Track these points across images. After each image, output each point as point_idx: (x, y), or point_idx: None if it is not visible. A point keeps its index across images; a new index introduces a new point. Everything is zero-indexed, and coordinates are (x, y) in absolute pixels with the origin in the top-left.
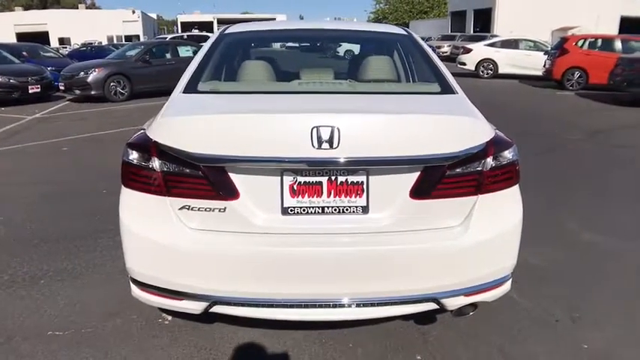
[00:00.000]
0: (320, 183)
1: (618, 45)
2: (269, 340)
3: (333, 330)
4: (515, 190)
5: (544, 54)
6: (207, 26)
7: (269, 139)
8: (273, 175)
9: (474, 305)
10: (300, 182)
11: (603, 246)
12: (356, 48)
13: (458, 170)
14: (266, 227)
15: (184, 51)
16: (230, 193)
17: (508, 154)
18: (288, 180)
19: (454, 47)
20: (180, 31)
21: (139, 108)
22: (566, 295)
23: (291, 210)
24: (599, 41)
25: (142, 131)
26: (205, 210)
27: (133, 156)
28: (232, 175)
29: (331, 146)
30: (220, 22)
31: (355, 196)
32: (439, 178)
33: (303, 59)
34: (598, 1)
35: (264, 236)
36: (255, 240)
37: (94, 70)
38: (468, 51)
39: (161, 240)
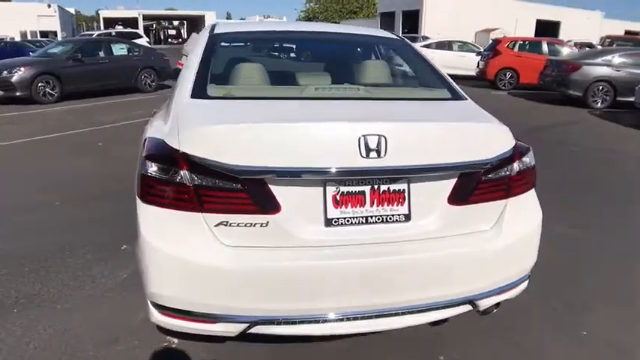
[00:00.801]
0: (363, 192)
1: (545, 47)
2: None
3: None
4: (533, 192)
5: (477, 55)
6: (131, 22)
7: (313, 149)
8: (315, 185)
9: (497, 303)
10: (343, 192)
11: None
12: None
13: (490, 176)
14: (310, 240)
15: (119, 49)
16: (272, 206)
17: (528, 159)
18: (331, 190)
19: None
20: (102, 27)
21: (72, 110)
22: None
23: (335, 221)
24: (528, 44)
25: (158, 140)
26: (246, 225)
27: (156, 169)
28: (273, 188)
29: (378, 155)
30: (146, 18)
31: (397, 205)
32: (475, 183)
33: (303, 62)
34: (517, 6)
35: (308, 250)
36: (299, 254)
37: (19, 69)
38: None
39: (196, 260)
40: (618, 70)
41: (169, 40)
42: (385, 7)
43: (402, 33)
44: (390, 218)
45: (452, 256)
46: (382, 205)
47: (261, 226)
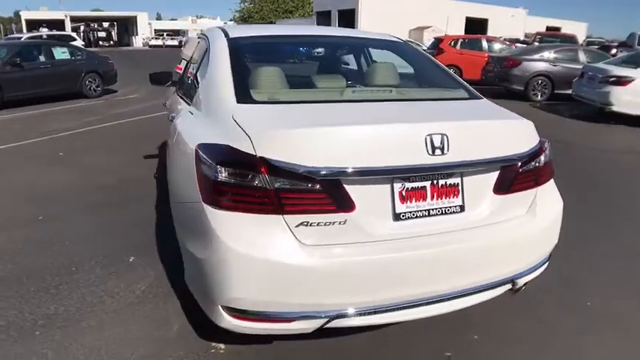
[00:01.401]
0: (424, 187)
1: (484, 44)
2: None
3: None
4: (553, 181)
5: None
6: (57, 24)
7: (382, 148)
8: (384, 183)
9: (526, 281)
10: (408, 188)
11: None
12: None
13: (525, 167)
14: (383, 235)
15: (60, 53)
16: (349, 204)
17: (548, 151)
18: (397, 187)
19: None
20: (25, 29)
21: (17, 119)
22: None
23: (402, 215)
24: (468, 41)
25: (224, 146)
26: (325, 224)
27: (231, 175)
28: (347, 187)
29: (442, 152)
30: (73, 19)
31: (453, 197)
32: (514, 174)
33: (322, 64)
34: (447, 4)
35: (382, 243)
36: (374, 249)
37: None
38: None
39: (280, 261)
40: (555, 65)
41: (100, 42)
42: (321, 6)
43: None
44: (448, 210)
45: (500, 240)
46: (441, 198)
47: (339, 224)
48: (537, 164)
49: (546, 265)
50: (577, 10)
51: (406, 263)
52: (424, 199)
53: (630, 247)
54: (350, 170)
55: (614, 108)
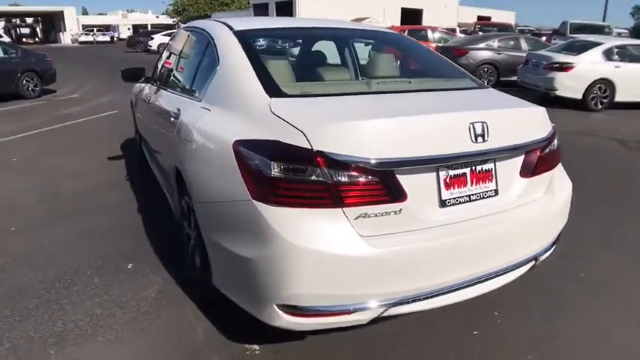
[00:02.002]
0: (465, 174)
1: (430, 35)
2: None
3: None
4: (561, 164)
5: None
6: None
7: (430, 138)
8: (431, 171)
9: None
10: (451, 175)
11: None
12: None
13: (545, 151)
14: (433, 221)
15: None
16: (402, 194)
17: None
18: (442, 174)
19: None
20: None
21: None
22: None
23: (447, 202)
24: (414, 32)
25: (274, 142)
26: (382, 215)
27: (287, 170)
28: (399, 177)
29: (483, 139)
30: None
31: (488, 182)
32: (536, 158)
33: (334, 57)
34: None
35: (433, 230)
36: (427, 236)
37: None
38: None
39: (342, 254)
40: (499, 54)
41: (23, 39)
42: None
43: None
44: (485, 194)
45: (528, 220)
46: (478, 184)
47: (394, 214)
48: (553, 148)
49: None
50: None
51: (455, 248)
52: (465, 185)
53: (605, 218)
54: (404, 160)
55: (558, 92)
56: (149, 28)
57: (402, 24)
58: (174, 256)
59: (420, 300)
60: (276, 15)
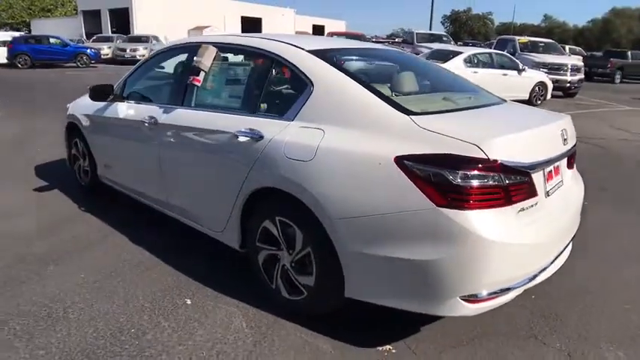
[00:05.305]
0: (551, 170)
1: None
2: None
3: None
4: None
5: None
6: None
7: (547, 143)
8: (542, 169)
9: None
10: (548, 171)
11: None
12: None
13: (574, 149)
14: (548, 209)
15: None
16: (537, 190)
17: None
18: (546, 171)
19: (117, 49)
20: None
21: None
22: None
23: (549, 192)
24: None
25: (453, 155)
26: (529, 208)
27: (469, 178)
28: (533, 176)
29: (565, 142)
30: None
31: (560, 175)
32: (572, 155)
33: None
34: (224, 3)
35: (551, 215)
36: (550, 220)
37: None
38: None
39: (515, 242)
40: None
41: None
42: (87, 5)
43: (112, 32)
44: (558, 185)
45: (576, 204)
46: (557, 176)
47: (534, 205)
48: (575, 148)
49: None
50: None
51: (559, 228)
52: (552, 178)
53: None
54: (540, 162)
55: None
56: None
57: (242, 32)
58: (235, 285)
59: (542, 273)
60: (111, 23)
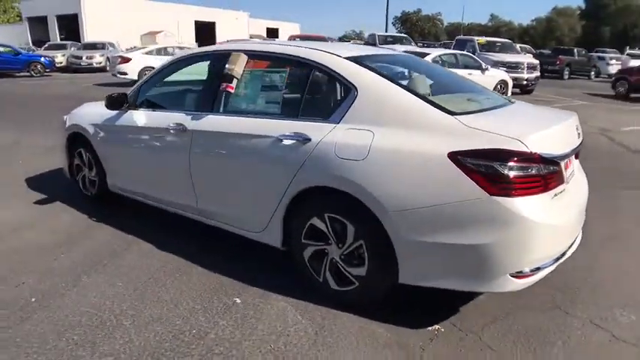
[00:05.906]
0: (567, 161)
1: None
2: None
3: None
4: None
5: None
6: None
7: (567, 137)
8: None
9: None
10: (565, 162)
11: None
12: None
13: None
14: (570, 193)
15: None
16: (563, 178)
17: None
18: (564, 162)
19: (72, 57)
20: None
21: None
22: None
23: (567, 180)
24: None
25: (501, 149)
26: (559, 193)
27: (517, 169)
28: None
29: (578, 136)
30: None
31: (572, 165)
32: (580, 148)
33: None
34: (177, 9)
35: (571, 200)
36: (571, 204)
37: None
38: (127, 60)
39: (553, 223)
40: None
41: None
42: (32, 11)
43: (60, 39)
44: (572, 174)
45: (585, 192)
46: (569, 167)
47: (562, 192)
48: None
49: None
50: (288, 13)
51: (577, 212)
52: (569, 167)
53: None
54: (566, 153)
55: None
56: None
57: (196, 37)
58: (278, 282)
59: (564, 254)
60: (59, 30)
